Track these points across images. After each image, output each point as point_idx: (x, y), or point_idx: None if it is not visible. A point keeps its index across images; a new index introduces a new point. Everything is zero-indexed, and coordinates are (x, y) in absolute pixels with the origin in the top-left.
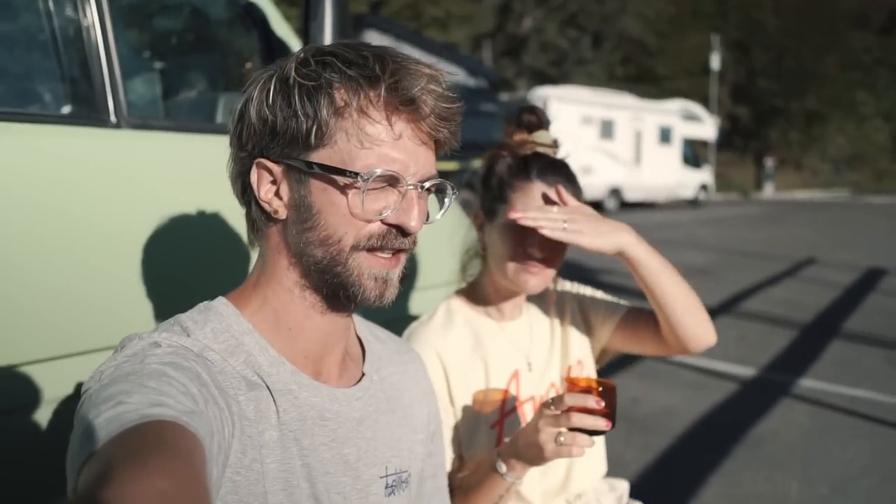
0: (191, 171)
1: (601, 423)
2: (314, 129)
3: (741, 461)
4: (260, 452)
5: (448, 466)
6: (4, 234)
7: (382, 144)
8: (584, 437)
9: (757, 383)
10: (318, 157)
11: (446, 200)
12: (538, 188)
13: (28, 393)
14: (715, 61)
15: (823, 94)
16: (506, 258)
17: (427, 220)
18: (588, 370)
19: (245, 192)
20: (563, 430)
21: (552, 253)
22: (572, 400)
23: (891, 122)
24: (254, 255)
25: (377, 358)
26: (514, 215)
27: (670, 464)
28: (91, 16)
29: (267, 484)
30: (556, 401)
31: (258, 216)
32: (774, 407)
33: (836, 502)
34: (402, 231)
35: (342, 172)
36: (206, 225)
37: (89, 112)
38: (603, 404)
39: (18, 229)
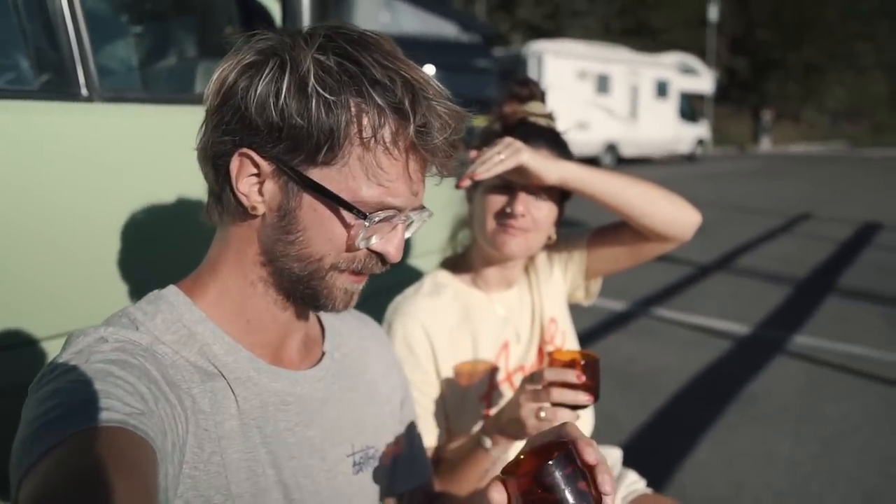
0: (168, 145)
1: (582, 398)
2: (325, 147)
3: (734, 419)
4: (219, 444)
5: (434, 441)
6: None
7: (394, 182)
8: (567, 411)
9: (751, 340)
10: (321, 174)
11: (416, 223)
12: None
13: None
14: (713, 13)
15: (822, 46)
16: (485, 221)
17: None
18: (562, 327)
19: (217, 176)
20: (546, 405)
21: (532, 215)
22: (552, 375)
23: (890, 74)
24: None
25: (337, 335)
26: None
27: (664, 423)
28: None
29: (229, 475)
30: (536, 376)
31: (228, 203)
32: (769, 364)
33: (827, 459)
34: (383, 259)
35: (349, 207)
36: (183, 203)
37: (58, 85)
38: (584, 378)
39: None
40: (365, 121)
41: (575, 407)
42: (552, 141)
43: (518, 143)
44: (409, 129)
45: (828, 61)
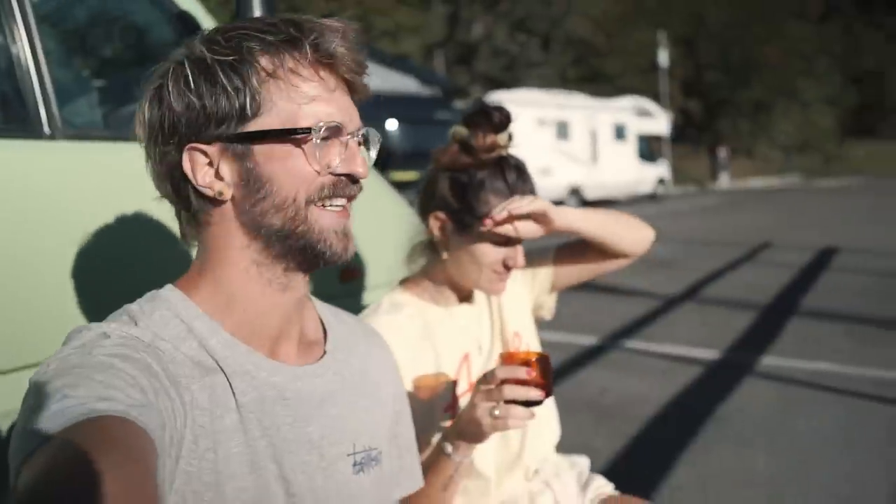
0: (129, 179)
1: (534, 394)
2: (247, 100)
3: (709, 440)
4: (214, 439)
5: None
6: None
7: (319, 99)
8: (520, 409)
9: (721, 365)
10: (258, 125)
11: (373, 151)
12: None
13: None
14: (663, 57)
15: (768, 83)
16: (482, 268)
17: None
18: (527, 340)
19: (178, 188)
20: (499, 403)
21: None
22: (503, 372)
23: (834, 107)
24: (191, 254)
25: (340, 338)
26: (490, 226)
27: (640, 448)
28: (19, 37)
29: (232, 467)
30: (489, 375)
31: (198, 206)
32: (739, 386)
33: (802, 471)
34: (352, 178)
35: (293, 132)
36: (145, 231)
37: (22, 124)
38: (535, 374)
39: None
40: (265, 61)
41: (528, 403)
42: (530, 177)
43: (528, 197)
44: (304, 48)
45: (774, 98)
